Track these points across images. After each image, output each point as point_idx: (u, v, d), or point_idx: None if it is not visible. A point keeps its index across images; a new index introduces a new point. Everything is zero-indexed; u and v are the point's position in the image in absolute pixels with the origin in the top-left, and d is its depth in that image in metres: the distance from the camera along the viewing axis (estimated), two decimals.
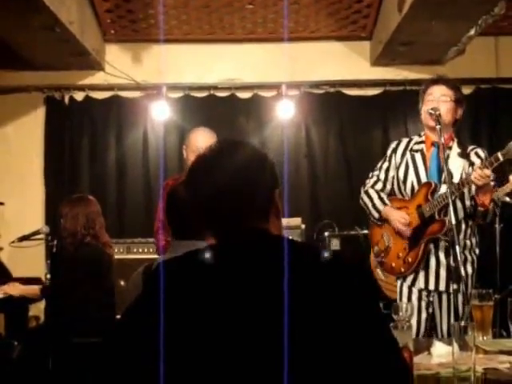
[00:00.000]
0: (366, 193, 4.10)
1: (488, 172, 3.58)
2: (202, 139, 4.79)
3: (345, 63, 6.87)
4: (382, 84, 6.89)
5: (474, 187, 3.67)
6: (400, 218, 3.91)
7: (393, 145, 4.15)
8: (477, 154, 3.96)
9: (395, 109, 6.87)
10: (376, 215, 4.05)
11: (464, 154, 3.91)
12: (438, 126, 3.67)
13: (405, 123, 6.83)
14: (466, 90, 6.77)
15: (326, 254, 1.77)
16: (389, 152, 4.12)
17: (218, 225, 1.86)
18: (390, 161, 4.09)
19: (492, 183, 3.71)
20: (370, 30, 6.68)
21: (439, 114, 3.73)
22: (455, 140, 3.96)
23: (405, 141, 4.12)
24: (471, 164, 3.89)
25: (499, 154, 3.63)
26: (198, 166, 1.90)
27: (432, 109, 3.79)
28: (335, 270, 1.77)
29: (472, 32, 5.77)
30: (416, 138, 4.08)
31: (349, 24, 6.65)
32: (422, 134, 4.06)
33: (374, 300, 1.85)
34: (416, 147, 4.02)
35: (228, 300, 1.71)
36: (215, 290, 1.72)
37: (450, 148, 3.91)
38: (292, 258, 1.71)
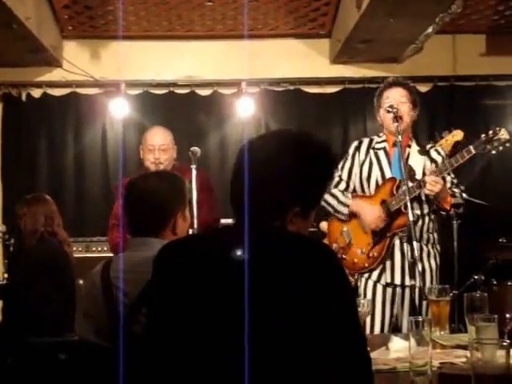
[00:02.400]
0: (330, 193, 4.06)
1: (436, 178, 3.68)
2: (156, 138, 4.79)
3: (304, 61, 6.89)
4: (341, 82, 6.92)
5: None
6: (370, 214, 3.93)
7: (355, 143, 4.18)
8: (437, 151, 4.03)
9: (354, 106, 6.90)
10: (345, 210, 4.03)
11: (424, 152, 3.97)
12: (395, 124, 3.71)
13: (364, 121, 6.87)
14: (424, 88, 6.86)
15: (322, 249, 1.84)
16: (351, 151, 4.14)
17: (236, 211, 1.92)
18: (353, 159, 4.10)
19: (448, 185, 3.83)
20: (328, 27, 6.71)
21: (396, 111, 3.77)
22: (413, 140, 4.03)
23: (366, 140, 4.17)
24: (432, 160, 3.96)
25: (471, 148, 3.71)
26: (242, 149, 1.94)
27: (390, 106, 3.82)
28: (310, 254, 1.80)
29: (430, 30, 5.82)
30: (376, 138, 4.12)
31: (308, 22, 6.67)
32: (381, 134, 4.11)
33: (347, 288, 1.88)
34: (378, 146, 4.07)
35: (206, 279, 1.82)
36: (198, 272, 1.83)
37: (410, 146, 3.97)
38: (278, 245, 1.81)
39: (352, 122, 6.92)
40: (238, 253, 1.78)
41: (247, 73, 6.62)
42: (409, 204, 3.53)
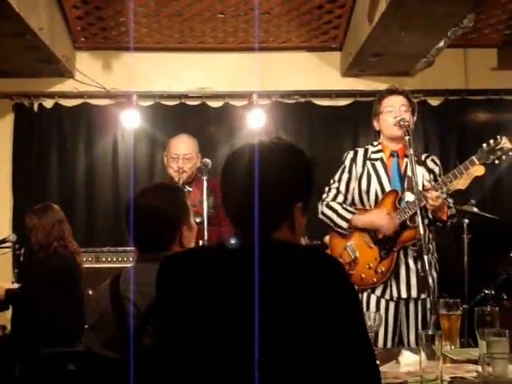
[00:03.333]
0: (328, 206, 4.02)
1: (437, 193, 3.67)
2: (181, 147, 4.81)
3: (315, 73, 6.90)
4: (353, 95, 6.92)
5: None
6: (383, 218, 3.89)
7: (350, 155, 4.12)
8: (433, 161, 4.04)
9: (365, 119, 6.83)
10: (344, 225, 3.96)
11: (420, 162, 3.95)
12: (407, 137, 3.69)
13: (374, 134, 6.85)
14: (435, 102, 6.86)
15: (330, 262, 1.84)
16: (347, 162, 4.08)
17: (232, 220, 1.96)
18: (350, 172, 4.05)
19: (445, 197, 3.81)
20: (340, 40, 6.72)
21: (408, 125, 3.76)
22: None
23: (361, 150, 4.12)
24: (429, 171, 3.96)
25: (474, 158, 3.71)
26: (229, 157, 1.98)
27: (402, 119, 3.82)
28: (318, 267, 1.80)
29: (441, 44, 5.83)
30: (371, 148, 4.09)
31: (319, 35, 6.69)
32: (376, 143, 4.10)
33: (356, 300, 1.88)
34: (374, 156, 4.04)
35: (213, 293, 1.82)
36: (205, 284, 1.84)
37: (407, 156, 3.93)
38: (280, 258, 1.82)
39: (363, 134, 6.90)
40: (246, 265, 1.78)
41: (258, 85, 6.63)
42: (419, 218, 3.49)
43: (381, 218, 3.87)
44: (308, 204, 1.99)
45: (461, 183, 4.32)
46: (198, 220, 4.16)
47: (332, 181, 4.11)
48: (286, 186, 1.91)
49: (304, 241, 5.21)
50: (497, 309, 2.74)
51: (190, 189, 4.64)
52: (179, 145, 4.84)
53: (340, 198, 4.05)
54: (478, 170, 4.94)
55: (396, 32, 5.45)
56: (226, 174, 1.96)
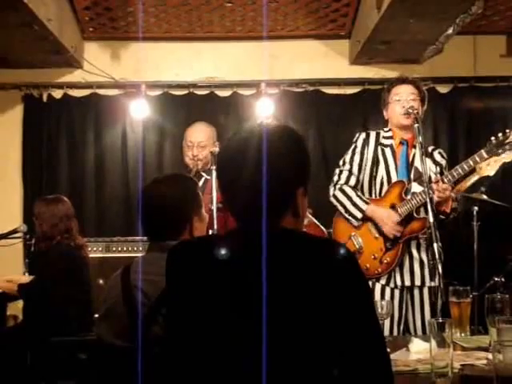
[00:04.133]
0: (342, 190, 4.00)
1: (445, 186, 3.65)
2: (195, 134, 4.82)
3: (324, 62, 6.88)
4: (361, 83, 6.90)
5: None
6: (391, 221, 3.88)
7: (363, 135, 4.10)
8: (440, 154, 4.03)
9: (374, 107, 6.83)
10: (359, 215, 3.95)
11: (427, 154, 3.93)
12: (416, 125, 3.66)
13: (384, 122, 6.84)
14: (444, 89, 6.84)
15: (342, 251, 1.82)
16: (359, 143, 4.06)
17: (232, 210, 1.94)
18: (362, 153, 4.03)
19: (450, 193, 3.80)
20: (348, 28, 6.70)
21: (417, 113, 3.75)
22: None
23: (373, 133, 4.10)
24: (436, 163, 3.95)
25: (483, 152, 3.70)
26: (229, 145, 1.95)
27: (410, 107, 3.81)
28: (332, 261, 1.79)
29: (450, 31, 5.80)
30: (383, 133, 4.08)
31: (328, 23, 6.66)
32: (387, 129, 4.09)
33: (367, 289, 1.90)
34: (385, 142, 4.03)
35: (221, 282, 1.82)
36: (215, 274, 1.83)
37: (415, 147, 3.93)
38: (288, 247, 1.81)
39: (372, 123, 6.87)
40: (255, 254, 1.77)
41: (267, 74, 6.62)
42: (429, 206, 3.48)
43: (390, 219, 3.86)
44: (307, 186, 1.97)
45: (489, 169, 4.33)
46: (219, 206, 4.19)
47: (342, 162, 4.08)
48: (290, 172, 1.88)
49: (309, 212, 5.18)
50: (507, 296, 2.75)
51: (208, 177, 4.62)
52: (194, 133, 4.85)
53: (353, 181, 4.02)
54: (507, 157, 4.91)
55: (404, 19, 5.43)
56: (229, 161, 1.92)
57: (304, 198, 1.94)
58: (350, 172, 4.03)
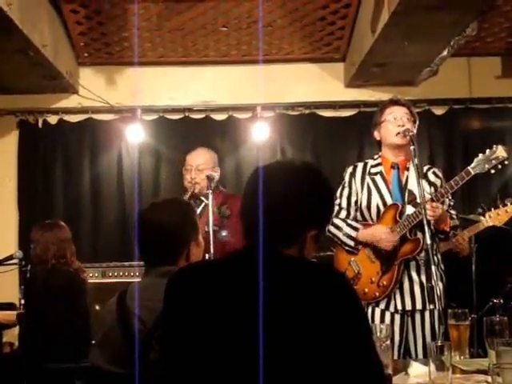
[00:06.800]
0: (333, 224, 4.00)
1: (435, 204, 3.65)
2: (194, 158, 4.81)
3: (319, 85, 6.90)
4: (357, 105, 6.92)
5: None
6: (382, 233, 3.88)
7: (349, 170, 4.12)
8: (435, 174, 4.01)
9: (370, 130, 6.85)
10: (351, 243, 3.97)
11: (421, 174, 3.92)
12: (412, 147, 3.66)
13: (379, 144, 6.84)
14: (440, 111, 6.86)
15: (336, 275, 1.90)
16: (347, 178, 4.08)
17: (248, 238, 1.97)
18: (350, 187, 4.05)
19: (447, 202, 3.79)
20: (343, 51, 6.72)
21: (413, 135, 3.74)
22: (410, 160, 3.97)
23: (360, 165, 4.12)
24: (430, 184, 3.93)
25: (470, 169, 3.69)
26: (252, 179, 2.00)
27: (406, 130, 3.81)
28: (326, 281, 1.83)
29: (445, 53, 5.82)
30: (371, 161, 4.08)
31: (322, 46, 6.68)
32: (377, 156, 4.08)
33: (361, 312, 1.91)
34: (374, 170, 4.03)
35: (223, 301, 1.84)
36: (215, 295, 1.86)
37: (407, 169, 3.93)
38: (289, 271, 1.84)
39: (367, 146, 6.87)
40: (252, 278, 1.78)
41: (262, 97, 6.64)
42: (426, 227, 3.46)
43: (380, 233, 3.86)
44: (323, 232, 2.02)
45: (497, 220, 4.36)
46: (215, 229, 4.19)
47: (334, 197, 4.09)
48: (304, 213, 1.93)
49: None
50: (505, 318, 2.72)
51: (207, 201, 4.61)
52: (194, 157, 4.85)
53: (343, 214, 4.04)
54: None
55: (399, 42, 5.45)
56: (246, 192, 2.00)
57: (313, 242, 1.97)
58: (340, 206, 4.06)
